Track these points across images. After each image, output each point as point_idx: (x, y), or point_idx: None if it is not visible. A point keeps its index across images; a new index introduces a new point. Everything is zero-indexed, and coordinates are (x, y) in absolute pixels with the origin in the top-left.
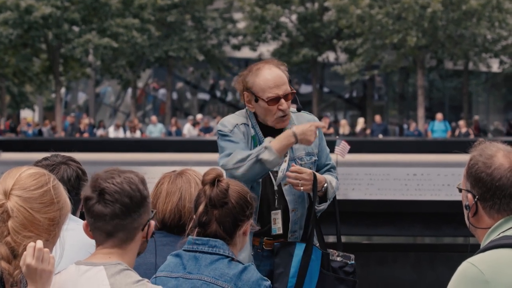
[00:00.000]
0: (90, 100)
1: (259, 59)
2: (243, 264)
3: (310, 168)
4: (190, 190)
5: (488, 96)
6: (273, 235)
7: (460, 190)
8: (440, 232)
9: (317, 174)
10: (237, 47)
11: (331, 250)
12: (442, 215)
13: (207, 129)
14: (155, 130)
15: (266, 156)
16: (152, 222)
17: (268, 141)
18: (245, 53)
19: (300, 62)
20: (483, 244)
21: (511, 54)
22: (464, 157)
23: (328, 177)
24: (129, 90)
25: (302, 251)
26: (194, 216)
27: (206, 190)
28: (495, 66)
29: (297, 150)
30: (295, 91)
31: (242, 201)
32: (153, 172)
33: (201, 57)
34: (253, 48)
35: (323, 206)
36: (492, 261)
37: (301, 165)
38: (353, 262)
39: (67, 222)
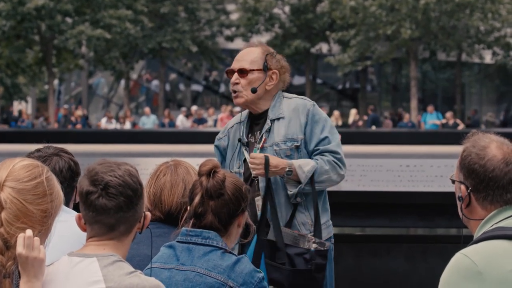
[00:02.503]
0: (83, 92)
1: None
2: (236, 255)
3: (289, 154)
4: (192, 180)
5: (481, 88)
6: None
7: (453, 182)
8: (433, 224)
9: (275, 159)
10: (230, 39)
11: (308, 235)
12: (435, 206)
13: (200, 121)
14: (148, 121)
15: None
16: (148, 213)
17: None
18: (238, 44)
19: (293, 54)
20: (476, 235)
21: (504, 45)
22: (457, 148)
23: (299, 161)
24: (122, 82)
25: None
26: (189, 207)
27: (203, 181)
28: (488, 58)
29: (276, 136)
30: (255, 69)
31: (238, 193)
32: (146, 163)
33: (194, 49)
34: (246, 40)
35: (294, 190)
36: (485, 252)
37: (276, 151)
38: (323, 248)
39: (60, 214)
